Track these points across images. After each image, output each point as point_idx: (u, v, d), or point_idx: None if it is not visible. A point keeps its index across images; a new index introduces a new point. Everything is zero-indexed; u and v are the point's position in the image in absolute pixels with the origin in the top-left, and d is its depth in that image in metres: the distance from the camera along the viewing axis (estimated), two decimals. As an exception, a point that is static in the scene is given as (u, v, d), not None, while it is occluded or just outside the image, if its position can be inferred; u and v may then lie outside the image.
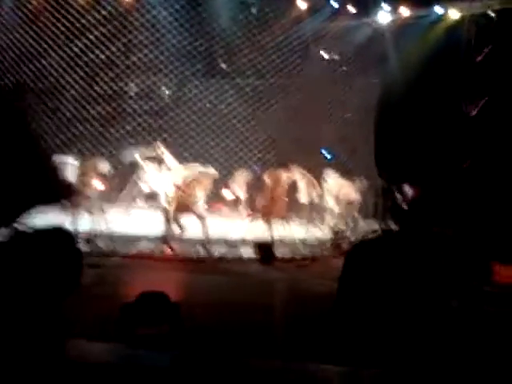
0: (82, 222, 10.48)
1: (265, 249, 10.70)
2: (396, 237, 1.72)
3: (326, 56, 15.39)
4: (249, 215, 12.02)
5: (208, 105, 14.38)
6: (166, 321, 5.42)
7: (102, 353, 2.12)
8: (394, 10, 14.75)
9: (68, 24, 13.53)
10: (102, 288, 7.61)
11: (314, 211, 13.03)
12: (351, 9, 14.76)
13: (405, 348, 1.52)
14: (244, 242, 11.05)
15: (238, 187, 13.23)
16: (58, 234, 1.93)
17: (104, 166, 11.59)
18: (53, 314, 1.75)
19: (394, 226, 11.16)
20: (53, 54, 13.41)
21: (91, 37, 13.70)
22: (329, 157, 14.79)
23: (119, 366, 1.84)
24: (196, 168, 11.83)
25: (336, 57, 15.38)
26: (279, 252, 10.92)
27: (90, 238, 10.20)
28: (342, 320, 1.59)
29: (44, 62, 13.41)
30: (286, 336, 6.30)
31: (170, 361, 2.08)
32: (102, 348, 2.27)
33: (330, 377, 1.58)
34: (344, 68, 15.20)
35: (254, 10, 14.95)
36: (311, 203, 13.04)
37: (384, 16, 14.94)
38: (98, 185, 11.42)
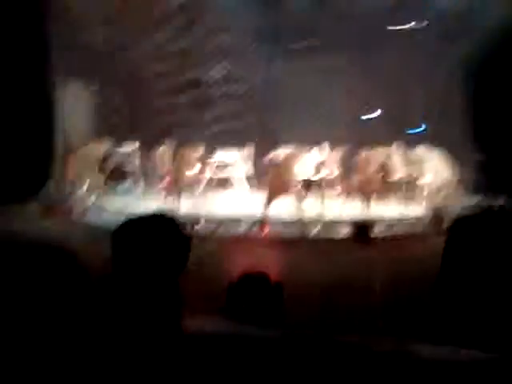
0: (183, 206, 10.86)
1: (361, 228, 10.58)
2: (499, 211, 1.63)
3: (407, 23, 14.67)
4: (344, 193, 11.91)
5: (294, 84, 14.29)
6: (269, 299, 5.59)
7: (210, 328, 2.24)
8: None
9: (150, 16, 13.95)
10: (207, 269, 7.85)
11: (411, 188, 12.65)
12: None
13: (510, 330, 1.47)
14: (340, 221, 10.98)
15: (331, 166, 13.11)
16: (164, 220, 1.99)
17: (198, 151, 11.93)
18: (167, 294, 1.86)
19: (496, 200, 10.62)
20: (138, 47, 13.93)
21: (170, 27, 14.06)
22: (422, 129, 14.25)
23: (225, 340, 1.93)
24: (287, 149, 11.93)
25: (419, 23, 14.63)
26: (376, 231, 10.74)
27: (191, 222, 10.58)
28: (444, 300, 1.56)
29: (131, 53, 13.96)
30: (385, 315, 6.26)
31: (274, 338, 2.15)
32: (209, 324, 2.40)
33: (429, 356, 1.56)
34: (427, 35, 14.36)
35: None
36: (407, 179, 12.66)
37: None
38: (194, 169, 11.74)
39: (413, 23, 14.67)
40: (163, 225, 1.96)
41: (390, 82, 13.81)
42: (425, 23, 14.60)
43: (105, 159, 12.58)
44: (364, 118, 13.93)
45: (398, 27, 14.45)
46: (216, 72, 14.60)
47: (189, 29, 14.08)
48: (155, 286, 1.85)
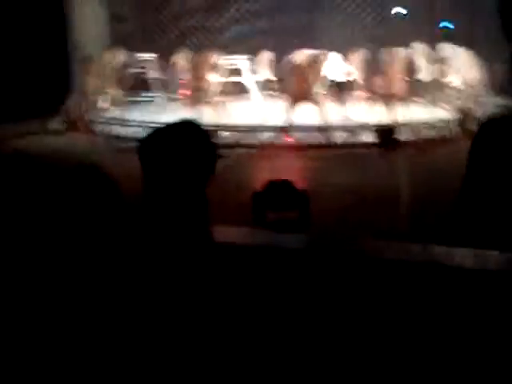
0: (205, 115, 10.81)
1: (385, 133, 10.41)
2: None
3: None
4: (368, 96, 11.64)
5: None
6: (295, 207, 5.65)
7: (237, 236, 2.27)
8: None
9: None
10: (232, 178, 7.94)
11: (437, 90, 12.26)
12: None
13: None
14: (364, 126, 10.78)
15: (353, 68, 12.74)
16: (190, 129, 2.01)
17: (218, 58, 11.65)
18: (196, 203, 1.88)
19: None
20: None
21: None
22: (448, 26, 13.63)
23: (253, 249, 1.96)
24: (306, 52, 11.58)
25: None
26: (401, 135, 10.52)
27: (214, 130, 10.56)
28: (470, 204, 1.52)
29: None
30: (412, 220, 6.28)
31: (301, 243, 2.18)
32: (236, 232, 2.43)
33: (456, 259, 1.55)
34: None
35: None
36: (433, 81, 12.26)
37: None
38: (214, 77, 11.52)
39: None
40: (190, 134, 1.97)
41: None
42: None
43: (123, 69, 12.39)
44: (385, 15, 13.27)
45: None
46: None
47: None
48: (184, 194, 1.87)
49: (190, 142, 1.93)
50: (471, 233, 1.52)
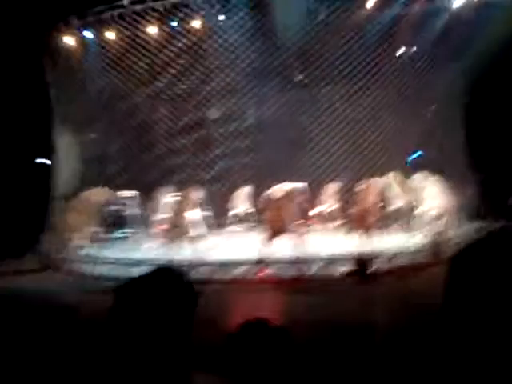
0: (181, 250, 10.78)
1: (362, 263, 10.39)
2: (503, 237, 1.53)
3: (401, 50, 14.80)
4: (344, 227, 11.75)
5: (289, 118, 14.35)
6: (273, 348, 5.45)
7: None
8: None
9: (148, 62, 14.17)
10: (207, 315, 7.71)
11: (412, 217, 12.46)
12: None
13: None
14: (340, 256, 10.81)
15: (329, 200, 12.98)
16: (169, 277, 1.91)
17: (198, 194, 11.86)
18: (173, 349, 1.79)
19: (497, 225, 10.41)
20: (139, 93, 14.12)
21: (172, 71, 14.24)
22: (418, 156, 14.14)
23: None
24: (286, 186, 11.84)
25: (413, 50, 14.74)
26: (377, 264, 10.54)
27: (189, 266, 10.49)
28: (449, 332, 1.46)
29: (132, 100, 14.14)
30: (392, 352, 6.09)
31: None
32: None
33: None
34: (421, 61, 14.48)
35: (321, 16, 14.75)
36: (408, 209, 12.48)
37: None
38: (194, 213, 11.66)
39: (404, 50, 14.73)
40: (168, 283, 1.87)
41: (385, 111, 13.84)
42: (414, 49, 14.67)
43: (102, 207, 12.56)
44: (362, 148, 13.76)
45: (391, 55, 14.45)
46: (215, 112, 14.65)
47: (188, 71, 14.13)
48: (161, 344, 1.77)
49: (168, 292, 1.82)
50: (452, 354, 1.45)
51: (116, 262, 10.88)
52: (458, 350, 1.45)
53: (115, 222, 12.92)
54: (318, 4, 14.59)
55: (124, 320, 1.80)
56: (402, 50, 14.81)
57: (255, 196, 13.21)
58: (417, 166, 13.37)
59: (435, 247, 10.90)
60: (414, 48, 14.77)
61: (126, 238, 12.93)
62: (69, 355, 1.71)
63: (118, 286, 1.87)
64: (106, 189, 12.84)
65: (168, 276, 1.89)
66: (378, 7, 14.36)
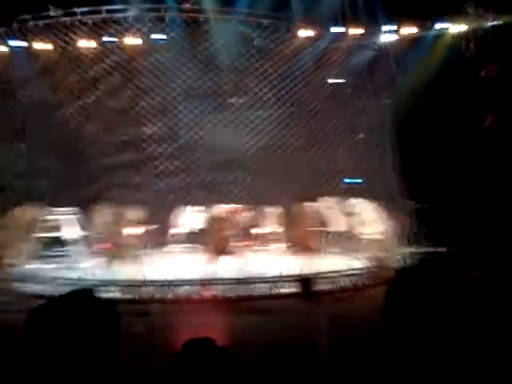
0: (121, 271, 10.49)
1: (304, 284, 10.66)
2: (439, 260, 1.69)
3: (332, 81, 15.49)
4: (285, 249, 11.99)
5: (223, 141, 14.43)
6: (215, 367, 5.44)
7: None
8: (396, 30, 14.95)
9: (79, 77, 13.77)
10: (150, 337, 7.62)
11: (350, 240, 12.94)
12: (353, 32, 14.95)
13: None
14: (283, 277, 10.98)
15: (268, 222, 13.18)
16: (85, 299, 1.81)
17: (135, 214, 11.61)
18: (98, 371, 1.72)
19: (432, 249, 11.09)
20: (69, 107, 13.63)
21: (102, 86, 13.92)
22: (355, 182, 14.72)
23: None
24: (224, 207, 11.91)
25: (343, 81, 15.48)
26: (318, 285, 10.82)
27: (131, 286, 10.24)
28: (386, 354, 1.59)
29: (62, 113, 13.62)
30: (333, 371, 6.30)
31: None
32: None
33: None
34: (352, 92, 15.27)
35: (256, 43, 15.12)
36: (346, 232, 12.96)
37: (386, 36, 15.14)
38: (131, 232, 11.40)
39: (333, 81, 15.43)
40: (84, 307, 1.77)
41: (322, 136, 14.35)
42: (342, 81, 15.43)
43: (36, 224, 11.92)
44: (298, 172, 14.12)
45: (321, 84, 15.07)
46: (150, 131, 14.40)
47: (122, 89, 13.85)
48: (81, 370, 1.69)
49: (86, 313, 1.73)
50: (389, 370, 1.58)
51: (51, 281, 10.37)
52: (395, 366, 1.53)
53: (51, 239, 12.29)
54: (251, 30, 14.94)
55: (38, 341, 1.70)
56: (332, 80, 15.46)
57: (195, 216, 13.12)
58: (353, 192, 13.93)
59: (374, 270, 11.40)
60: (343, 79, 15.49)
61: (63, 255, 12.33)
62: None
63: (35, 308, 1.77)
64: (39, 205, 12.20)
65: (87, 297, 1.81)
66: (309, 39, 14.95)
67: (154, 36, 14.72)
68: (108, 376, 1.73)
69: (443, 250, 10.81)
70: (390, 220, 12.57)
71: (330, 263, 11.62)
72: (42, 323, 1.72)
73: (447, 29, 14.83)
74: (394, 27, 14.92)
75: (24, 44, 14.27)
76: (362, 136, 15.01)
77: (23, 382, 1.68)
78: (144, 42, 14.57)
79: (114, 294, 9.91)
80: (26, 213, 11.87)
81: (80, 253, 12.15)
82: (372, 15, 14.60)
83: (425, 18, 14.56)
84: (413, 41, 14.88)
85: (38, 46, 14.15)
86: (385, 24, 14.97)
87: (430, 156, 14.21)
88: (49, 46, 14.15)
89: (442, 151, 14.22)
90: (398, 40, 15.04)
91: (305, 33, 14.90)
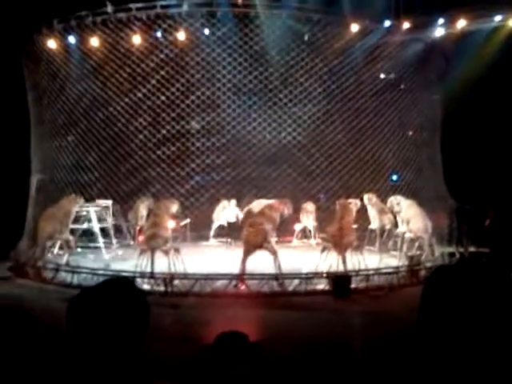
0: (159, 263, 10.66)
1: (338, 281, 10.53)
2: (476, 261, 1.59)
3: (383, 76, 15.19)
4: (321, 245, 11.86)
5: (269, 136, 14.50)
6: (248, 361, 5.43)
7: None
8: (450, 23, 14.43)
9: (131, 72, 14.14)
10: (183, 328, 7.71)
11: (388, 238, 12.70)
12: (406, 26, 14.56)
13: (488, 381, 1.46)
14: (317, 274, 10.89)
15: (306, 218, 13.10)
16: (122, 287, 1.92)
17: (175, 206, 11.79)
18: (128, 361, 1.78)
19: (471, 249, 10.70)
20: (119, 102, 14.04)
21: (152, 81, 14.24)
22: (395, 179, 14.44)
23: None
24: (263, 202, 11.92)
25: (394, 76, 15.14)
26: (354, 283, 10.68)
27: (167, 279, 10.39)
28: (422, 353, 1.53)
29: (111, 109, 14.04)
30: (366, 371, 6.18)
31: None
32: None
33: None
34: (403, 87, 14.90)
35: (306, 38, 15.02)
36: (383, 230, 12.71)
37: (440, 30, 14.65)
38: (170, 225, 11.57)
39: (383, 76, 15.11)
40: (120, 294, 1.88)
41: (364, 133, 14.14)
42: (393, 76, 15.06)
43: (78, 217, 12.32)
44: (340, 169, 13.97)
45: (371, 80, 14.78)
46: (195, 126, 14.64)
47: (169, 83, 14.10)
48: (114, 355, 1.78)
49: (119, 302, 1.83)
50: (426, 372, 1.52)
51: (92, 271, 10.73)
52: (432, 368, 1.50)
53: (91, 231, 12.69)
54: (301, 25, 14.84)
55: (77, 331, 1.81)
56: (382, 75, 15.17)
57: (236, 211, 13.23)
58: (392, 189, 13.66)
59: (411, 269, 11.14)
60: (393, 74, 15.14)
61: (103, 247, 12.71)
62: (29, 363, 1.74)
63: (72, 297, 1.89)
64: (81, 197, 12.58)
65: (119, 287, 1.89)
66: (361, 33, 14.69)
67: (205, 31, 14.90)
68: (138, 363, 1.81)
69: (484, 250, 10.40)
70: (430, 219, 12.18)
71: (367, 260, 11.38)
72: (79, 312, 1.84)
73: (504, 22, 14.14)
74: (448, 20, 14.36)
75: (80, 40, 14.79)
76: (411, 133, 14.63)
77: (62, 369, 1.77)
78: (195, 36, 14.77)
79: (148, 286, 10.15)
80: (68, 204, 12.21)
81: (120, 244, 12.48)
82: (425, 7, 14.17)
83: (480, 10, 13.93)
84: (467, 34, 14.30)
85: (93, 41, 14.62)
86: (438, 16, 14.47)
87: (479, 155, 13.66)
88: (103, 42, 14.57)
89: (491, 151, 13.63)
90: (451, 33, 14.49)
91: (356, 27, 14.65)
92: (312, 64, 14.63)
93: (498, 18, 14.06)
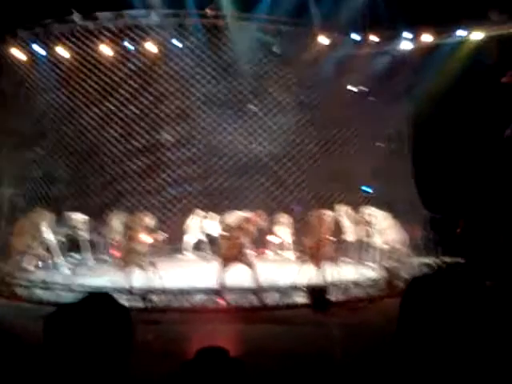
0: (135, 278, 10.53)
1: (317, 294, 10.60)
2: (453, 271, 1.67)
3: (352, 87, 15.42)
4: (298, 257, 11.93)
5: (240, 147, 14.52)
6: (230, 377, 5.43)
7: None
8: (416, 37, 14.79)
9: (100, 82, 13.93)
10: (164, 344, 7.66)
11: (363, 250, 12.86)
12: (373, 39, 14.85)
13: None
14: (295, 287, 10.92)
15: (282, 230, 13.15)
16: (103, 303, 1.85)
17: (150, 220, 11.65)
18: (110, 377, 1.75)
19: (447, 260, 10.96)
20: (88, 113, 13.80)
21: (122, 92, 14.06)
22: (370, 191, 14.66)
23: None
24: (238, 214, 11.91)
25: (362, 87, 15.40)
26: (332, 295, 10.75)
27: (145, 294, 10.27)
28: (402, 364, 1.59)
29: (81, 120, 13.79)
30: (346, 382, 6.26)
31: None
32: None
33: None
34: (372, 98, 15.18)
35: (275, 49, 15.12)
36: (359, 242, 12.87)
37: (406, 43, 15.00)
38: (145, 239, 11.44)
39: (353, 87, 15.36)
40: (101, 310, 1.81)
41: (334, 143, 14.31)
42: (362, 87, 15.34)
43: (49, 230, 12.02)
44: (309, 178, 14.12)
45: (340, 91, 14.99)
46: (166, 137, 14.52)
47: (140, 95, 13.96)
48: (98, 375, 1.73)
49: (103, 320, 1.76)
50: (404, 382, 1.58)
51: (67, 287, 10.51)
52: (412, 378, 1.54)
53: (65, 245, 12.40)
54: (270, 36, 14.94)
55: (57, 350, 1.74)
56: (351, 87, 15.41)
57: (210, 222, 13.17)
58: (365, 201, 13.87)
59: (387, 280, 11.31)
60: (362, 86, 15.40)
61: (78, 262, 12.45)
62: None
63: (49, 314, 1.82)
64: (52, 210, 12.29)
65: (101, 303, 1.83)
66: (329, 45, 14.89)
67: (175, 41, 14.82)
68: (121, 381, 1.76)
69: (458, 260, 10.68)
70: (404, 229, 12.43)
71: (344, 272, 11.50)
72: (58, 328, 1.76)
73: (469, 36, 14.58)
74: (414, 34, 14.73)
75: (46, 48, 14.47)
76: (381, 144, 14.91)
77: None
78: (165, 47, 14.67)
79: (125, 302, 9.99)
80: (39, 218, 11.92)
81: (94, 259, 12.26)
82: (392, 21, 14.48)
83: (445, 25, 14.33)
84: (433, 47, 14.69)
85: (60, 50, 14.33)
86: (405, 30, 14.81)
87: (448, 165, 14.05)
88: (71, 51, 14.30)
89: (460, 160, 14.03)
90: (417, 47, 14.85)
91: (324, 39, 14.84)
92: (282, 75, 14.75)
93: (461, 32, 14.50)
